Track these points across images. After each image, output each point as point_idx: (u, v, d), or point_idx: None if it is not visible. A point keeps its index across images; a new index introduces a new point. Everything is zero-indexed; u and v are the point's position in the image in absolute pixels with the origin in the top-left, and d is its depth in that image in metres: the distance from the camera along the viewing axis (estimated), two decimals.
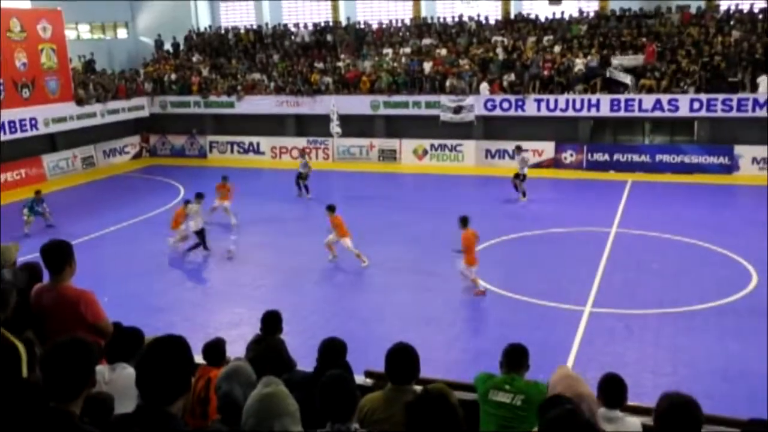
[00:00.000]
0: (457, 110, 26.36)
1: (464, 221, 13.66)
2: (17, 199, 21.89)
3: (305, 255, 16.29)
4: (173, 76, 31.41)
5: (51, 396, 2.73)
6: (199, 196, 16.76)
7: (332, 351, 5.10)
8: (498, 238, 16.75)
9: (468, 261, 13.42)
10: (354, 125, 27.29)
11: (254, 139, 29.39)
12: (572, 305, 12.60)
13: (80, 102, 27.43)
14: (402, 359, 4.18)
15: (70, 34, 28.73)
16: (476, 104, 26.07)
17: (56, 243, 4.87)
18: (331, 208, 15.61)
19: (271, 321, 6.63)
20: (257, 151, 29.30)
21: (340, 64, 29.61)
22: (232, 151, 29.85)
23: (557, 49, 26.84)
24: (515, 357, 5.02)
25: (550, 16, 29.29)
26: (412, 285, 14.20)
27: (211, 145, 30.21)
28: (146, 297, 13.72)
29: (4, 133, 23.93)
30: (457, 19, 30.82)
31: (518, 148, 22.24)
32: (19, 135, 24.64)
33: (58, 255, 4.79)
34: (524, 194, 20.87)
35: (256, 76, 30.39)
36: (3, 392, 2.70)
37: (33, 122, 25.15)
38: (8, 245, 5.82)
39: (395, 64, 28.66)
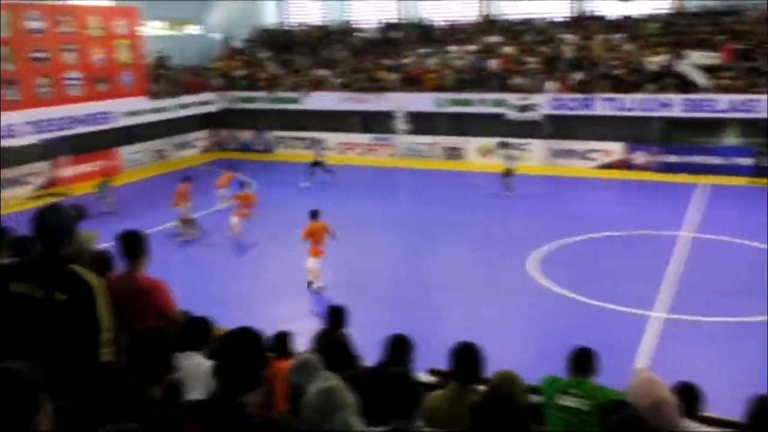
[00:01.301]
0: (523, 109, 26.03)
1: (314, 214, 14.06)
2: (89, 192, 22.77)
3: (366, 251, 16.37)
4: (241, 72, 32.03)
5: (135, 380, 2.84)
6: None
7: (398, 347, 5.11)
8: (564, 239, 16.47)
9: (314, 253, 13.73)
10: (418, 123, 27.26)
11: (320, 135, 29.70)
12: (639, 309, 12.29)
13: (153, 96, 28.26)
14: (467, 358, 4.15)
15: (145, 30, 29.59)
16: (543, 103, 25.69)
17: (133, 232, 5.02)
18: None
19: (336, 315, 6.69)
20: (322, 147, 29.56)
21: (406, 61, 29.61)
22: (297, 146, 30.24)
23: (628, 47, 26.18)
24: (583, 360, 4.93)
25: (621, 14, 28.60)
26: (477, 284, 14.11)
27: (277, 140, 30.66)
28: (208, 288, 14.02)
29: (83, 125, 24.87)
30: (524, 17, 30.41)
31: (503, 144, 22.08)
32: (97, 127, 25.55)
33: (135, 244, 4.93)
34: (509, 189, 21.32)
35: (322, 72, 30.69)
36: (87, 366, 2.82)
37: (109, 115, 26.03)
38: (87, 233, 6.01)
39: (461, 62, 28.49)
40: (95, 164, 25.87)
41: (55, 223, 3.73)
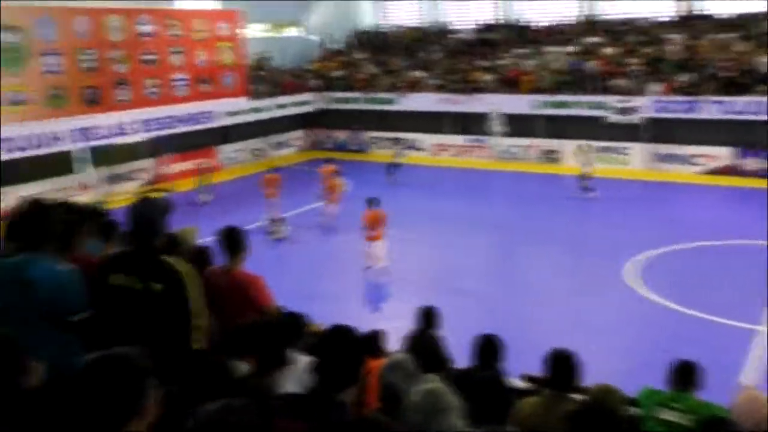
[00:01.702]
0: (624, 111, 25.23)
1: (371, 202, 14.97)
2: (191, 188, 23.76)
3: (463, 252, 16.30)
4: (338, 73, 32.55)
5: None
6: None
7: (488, 349, 5.06)
8: (665, 246, 15.83)
9: (370, 238, 14.64)
10: (514, 125, 26.88)
11: (414, 136, 29.77)
12: (745, 323, 11.67)
13: (252, 97, 29.13)
14: (563, 365, 4.07)
15: (247, 32, 30.54)
16: (644, 105, 24.82)
17: (234, 228, 5.19)
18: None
19: (427, 316, 6.69)
20: (417, 148, 29.67)
21: (502, 62, 29.28)
22: (392, 147, 30.43)
23: (739, 47, 24.91)
24: (686, 374, 4.73)
25: (732, 13, 27.24)
26: (572, 289, 13.80)
27: (372, 140, 30.97)
28: (302, 284, 14.30)
29: (186, 125, 25.97)
30: (626, 17, 29.47)
31: (581, 147, 22.60)
32: (197, 127, 26.62)
33: (234, 240, 5.10)
34: (588, 191, 21.14)
35: (418, 73, 30.77)
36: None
37: (210, 115, 27.04)
38: (188, 228, 6.25)
39: (559, 63, 27.91)
40: (196, 162, 26.93)
41: (147, 216, 3.92)
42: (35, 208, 4.31)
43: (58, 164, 22.84)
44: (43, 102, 21.36)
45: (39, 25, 21.03)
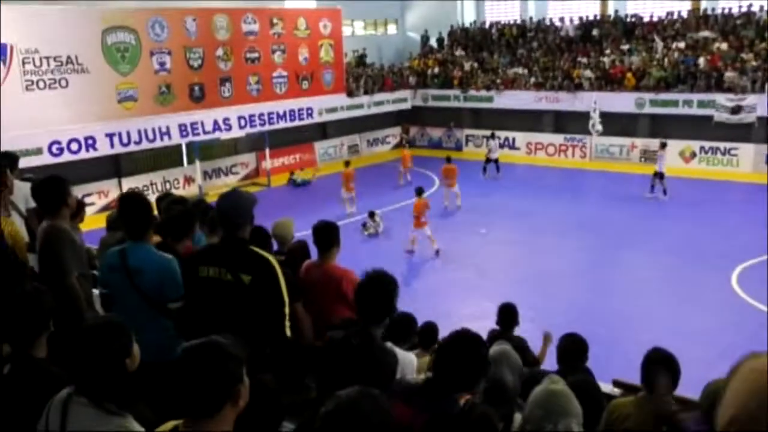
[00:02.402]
0: (736, 110, 24.01)
1: (419, 191, 16.84)
2: (287, 182, 24.46)
3: (554, 254, 16.01)
4: (436, 70, 32.53)
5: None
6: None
7: (573, 349, 4.96)
8: None
9: (417, 225, 16.32)
10: (615, 123, 26.06)
11: (510, 134, 29.39)
12: None
13: (350, 94, 29.56)
14: (664, 368, 3.95)
15: (345, 30, 30.98)
16: (759, 104, 23.51)
17: (326, 224, 5.32)
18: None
19: (508, 314, 6.65)
20: (512, 146, 29.28)
21: (605, 59, 28.45)
22: (487, 145, 30.15)
23: None
24: None
25: None
26: (673, 295, 13.29)
27: (467, 138, 30.78)
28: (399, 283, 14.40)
29: (285, 120, 26.66)
30: (744, 9, 27.95)
31: (663, 145, 21.71)
32: (297, 123, 27.27)
33: (327, 235, 5.23)
34: (664, 192, 20.88)
35: (517, 70, 30.35)
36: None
37: (309, 111, 27.63)
38: (286, 220, 6.43)
39: (666, 59, 26.84)
40: (293, 157, 27.59)
41: (234, 208, 4.02)
42: (137, 199, 4.58)
43: (167, 157, 24.00)
44: (153, 99, 22.46)
45: (151, 25, 22.11)
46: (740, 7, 28.15)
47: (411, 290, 13.89)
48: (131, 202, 4.55)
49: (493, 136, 26.05)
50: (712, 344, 11.18)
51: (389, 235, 18.42)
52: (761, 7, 27.44)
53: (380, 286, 3.62)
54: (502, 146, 28.20)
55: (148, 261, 4.30)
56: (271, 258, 3.96)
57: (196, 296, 4.07)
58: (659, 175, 21.10)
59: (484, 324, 7.07)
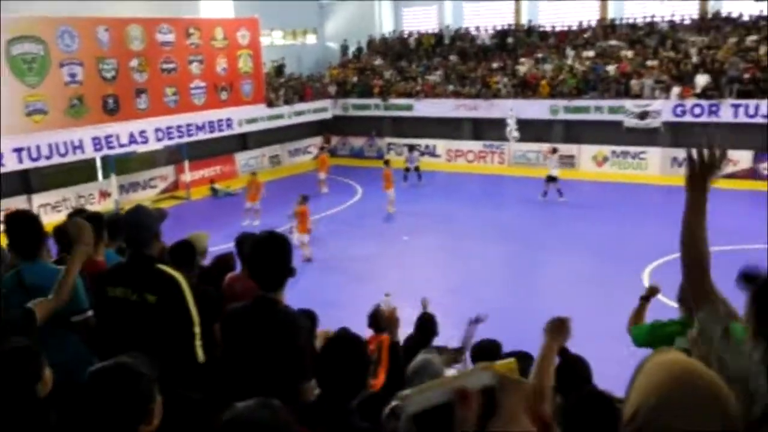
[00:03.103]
0: (643, 115, 25.13)
1: (304, 198, 17.28)
2: (207, 195, 24.05)
3: (476, 259, 16.31)
4: (355, 79, 32.70)
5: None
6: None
7: (487, 351, 5.07)
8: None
9: (301, 230, 16.68)
10: (531, 130, 26.84)
11: (431, 142, 29.82)
12: None
13: (270, 104, 29.36)
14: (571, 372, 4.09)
15: (264, 40, 30.79)
16: (664, 109, 24.69)
17: (250, 235, 5.27)
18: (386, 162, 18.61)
19: (428, 326, 6.69)
20: (433, 154, 29.71)
21: (520, 67, 29.28)
22: (406, 157, 30.46)
23: (763, 49, 24.70)
24: None
25: (755, 14, 26.95)
26: (587, 294, 13.74)
27: (389, 146, 31.06)
28: (320, 291, 14.37)
29: (204, 132, 26.24)
30: (648, 20, 29.33)
31: (554, 150, 22.91)
32: (216, 134, 26.88)
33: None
34: (560, 195, 21.71)
35: (435, 78, 30.83)
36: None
37: (229, 122, 27.30)
38: (200, 234, 6.36)
39: (578, 67, 27.85)
40: (214, 169, 27.16)
41: (137, 226, 3.91)
42: (23, 217, 4.37)
43: (81, 172, 23.22)
44: (64, 111, 21.70)
45: (60, 35, 21.38)
46: (644, 17, 29.52)
47: (335, 299, 13.88)
48: (18, 220, 4.32)
49: (411, 150, 26.33)
50: (627, 341, 11.62)
51: (318, 245, 18.36)
52: (663, 18, 28.89)
53: (271, 249, 3.45)
54: (423, 153, 28.59)
55: (46, 277, 4.07)
56: (177, 276, 3.86)
57: (105, 317, 3.96)
58: (551, 179, 22.01)
59: (407, 330, 7.15)
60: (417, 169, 25.35)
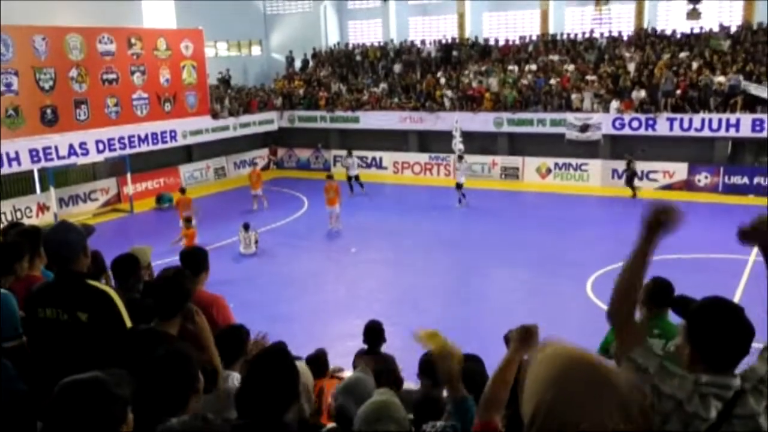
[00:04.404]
0: (584, 128, 25.78)
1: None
2: (152, 207, 23.62)
3: (423, 271, 16.43)
4: (302, 92, 32.65)
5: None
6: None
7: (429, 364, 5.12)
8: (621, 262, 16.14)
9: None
10: (476, 142, 27.22)
11: (377, 154, 29.96)
12: None
13: (215, 116, 29.06)
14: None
15: (209, 51, 30.51)
16: (604, 122, 25.39)
17: (195, 249, 5.23)
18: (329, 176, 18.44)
19: (374, 332, 6.77)
20: (380, 166, 29.85)
21: (465, 80, 29.69)
22: (343, 163, 30.52)
23: (695, 65, 25.66)
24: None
25: (688, 31, 28.03)
26: (533, 304, 13.98)
27: (336, 159, 31.07)
28: (267, 305, 14.26)
29: (147, 144, 25.79)
30: (587, 35, 30.17)
31: (460, 158, 24.00)
32: (160, 146, 26.45)
33: (196, 260, 5.12)
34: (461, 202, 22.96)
35: (380, 91, 31.02)
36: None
37: (173, 134, 26.90)
38: (143, 247, 6.26)
39: (521, 81, 28.41)
40: (158, 181, 26.72)
41: (61, 243, 3.76)
42: None
43: (17, 184, 22.54)
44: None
45: None
46: (583, 33, 30.34)
47: (283, 312, 13.79)
48: None
49: (350, 154, 26.42)
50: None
51: (265, 258, 18.22)
52: (601, 34, 29.76)
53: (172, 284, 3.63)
54: (369, 165, 28.70)
55: None
56: (109, 291, 3.75)
57: (37, 340, 3.81)
58: (458, 186, 22.98)
59: (356, 343, 7.17)
60: (357, 178, 25.40)
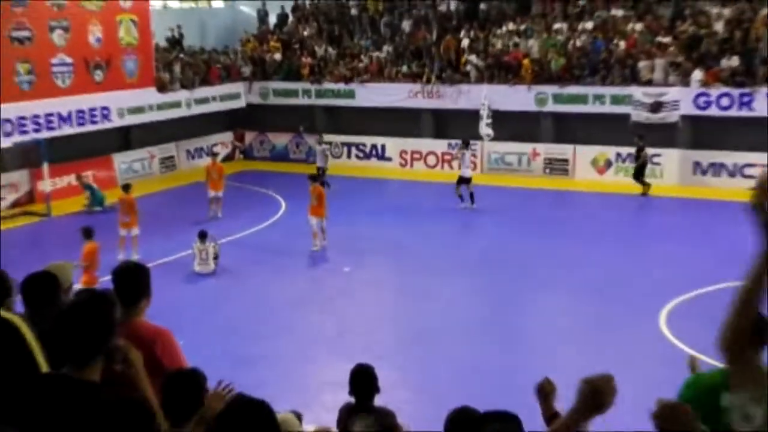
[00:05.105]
0: (656, 107, 25.72)
1: (87, 233, 16.02)
2: (78, 210, 23.55)
3: (437, 299, 16.34)
4: (278, 57, 32.63)
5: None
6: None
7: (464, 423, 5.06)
8: (712, 285, 15.94)
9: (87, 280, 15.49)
10: (511, 126, 27.18)
11: (378, 141, 29.93)
12: None
13: (162, 88, 29.03)
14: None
15: (155, 3, 30.52)
16: (682, 100, 25.34)
17: (131, 267, 5.14)
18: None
19: (363, 380, 6.67)
20: (382, 157, 29.82)
21: (496, 43, 29.67)
22: (349, 155, 30.53)
23: None
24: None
25: None
26: (585, 345, 13.88)
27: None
28: (233, 343, 14.17)
29: (71, 125, 25.72)
30: None
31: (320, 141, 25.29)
32: (88, 128, 26.39)
33: (134, 283, 5.03)
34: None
35: (383, 56, 30.98)
36: None
37: (105, 112, 26.87)
38: (62, 263, 6.21)
39: (571, 44, 28.36)
40: (84, 174, 26.57)
41: None
42: None
43: None
44: None
45: None
46: None
47: (251, 353, 13.70)
48: None
49: (320, 142, 26.47)
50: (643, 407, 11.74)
51: (228, 278, 18.18)
52: None
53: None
54: (368, 155, 28.67)
55: None
56: (14, 319, 3.81)
57: None
58: (465, 180, 23.07)
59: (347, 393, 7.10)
60: (324, 171, 25.55)
